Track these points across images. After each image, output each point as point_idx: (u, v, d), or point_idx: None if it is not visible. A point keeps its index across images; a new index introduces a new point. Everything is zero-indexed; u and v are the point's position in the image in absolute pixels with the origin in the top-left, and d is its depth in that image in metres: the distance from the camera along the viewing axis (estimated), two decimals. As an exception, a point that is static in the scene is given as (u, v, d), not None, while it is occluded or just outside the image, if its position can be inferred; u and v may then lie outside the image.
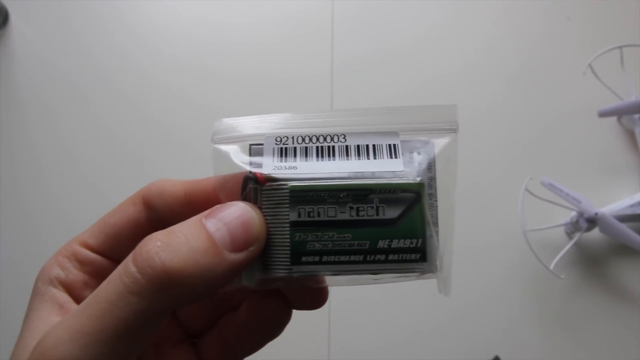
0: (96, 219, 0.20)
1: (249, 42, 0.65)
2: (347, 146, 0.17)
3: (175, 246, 0.15)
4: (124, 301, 0.14)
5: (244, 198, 0.16)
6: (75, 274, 0.18)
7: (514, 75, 0.62)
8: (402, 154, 0.17)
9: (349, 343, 0.53)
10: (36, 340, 0.15)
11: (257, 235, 0.16)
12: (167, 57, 0.64)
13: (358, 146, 0.17)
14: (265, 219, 0.16)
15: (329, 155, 0.17)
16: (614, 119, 0.59)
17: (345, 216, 0.16)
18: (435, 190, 0.17)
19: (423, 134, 0.17)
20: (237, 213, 0.16)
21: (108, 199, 0.20)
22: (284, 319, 0.19)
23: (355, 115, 0.17)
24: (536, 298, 0.54)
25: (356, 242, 0.16)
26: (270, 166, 0.16)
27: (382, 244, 0.16)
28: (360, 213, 0.16)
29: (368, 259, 0.16)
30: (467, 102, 0.61)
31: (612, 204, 0.54)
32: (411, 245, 0.16)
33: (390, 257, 0.16)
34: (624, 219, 0.52)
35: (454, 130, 0.18)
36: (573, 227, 0.53)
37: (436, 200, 0.17)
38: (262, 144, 0.17)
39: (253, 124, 0.17)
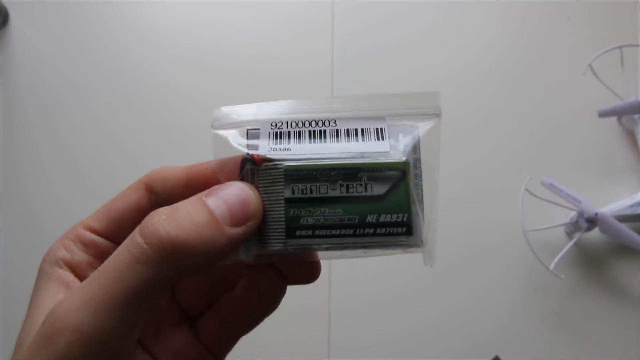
0: (97, 218, 0.20)
1: (249, 40, 0.65)
2: (337, 130, 0.18)
3: (179, 220, 0.16)
4: (132, 270, 0.15)
5: (242, 178, 0.18)
6: (80, 256, 0.18)
7: (513, 75, 0.62)
8: (389, 137, 0.18)
9: (349, 343, 0.53)
10: (44, 316, 0.15)
11: (254, 211, 0.17)
12: (168, 56, 0.64)
13: (348, 130, 0.18)
14: (262, 197, 0.17)
15: (320, 138, 0.18)
16: (614, 119, 0.59)
17: (336, 193, 0.17)
18: (420, 170, 0.18)
19: (409, 118, 0.19)
20: (236, 191, 0.17)
21: (109, 198, 0.21)
22: (280, 293, 0.20)
23: (345, 102, 0.19)
24: (536, 298, 0.54)
25: (346, 217, 0.17)
26: (266, 148, 0.18)
27: (370, 218, 0.17)
28: (350, 190, 0.17)
29: (357, 232, 0.17)
30: (466, 101, 0.61)
31: (612, 204, 0.54)
32: (397, 220, 0.17)
33: (378, 230, 0.17)
34: (624, 219, 0.52)
35: (437, 115, 0.19)
36: (573, 227, 0.53)
37: (421, 180, 0.18)
38: (258, 129, 0.18)
39: (250, 111, 0.18)
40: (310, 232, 0.17)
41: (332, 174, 0.17)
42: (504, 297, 0.54)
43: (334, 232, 0.17)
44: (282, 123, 0.18)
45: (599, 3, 0.64)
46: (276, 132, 0.18)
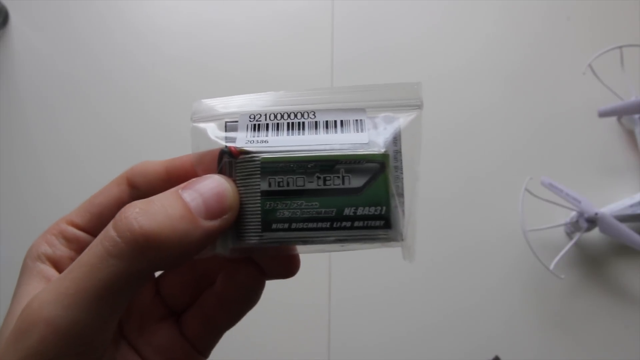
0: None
1: (250, 40, 0.65)
2: (316, 122, 0.18)
3: (153, 213, 0.16)
4: (104, 263, 0.15)
5: (220, 171, 0.17)
6: (62, 250, 0.19)
7: (513, 75, 0.62)
8: (370, 128, 0.18)
9: (349, 343, 0.53)
10: None
11: (230, 204, 0.17)
12: (168, 56, 0.64)
13: (327, 121, 0.18)
14: (239, 190, 0.17)
15: (299, 130, 0.18)
16: (614, 119, 0.59)
17: (313, 185, 0.17)
18: (401, 163, 0.18)
19: (390, 110, 0.18)
20: (212, 184, 0.17)
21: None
22: (257, 288, 0.20)
23: (325, 93, 0.18)
24: (536, 298, 0.54)
25: (323, 210, 0.17)
26: (243, 140, 0.17)
27: (348, 211, 0.17)
28: (327, 182, 0.17)
29: (335, 225, 0.17)
30: (467, 101, 0.61)
31: (612, 204, 0.54)
32: (375, 213, 0.17)
33: (356, 223, 0.17)
34: (624, 219, 0.52)
35: (418, 106, 0.18)
36: (573, 227, 0.53)
37: (402, 173, 0.18)
38: (237, 121, 0.18)
39: (229, 103, 0.18)
40: (286, 226, 0.17)
41: (309, 166, 0.17)
42: (504, 297, 0.54)
43: (310, 225, 0.17)
44: (261, 115, 0.18)
45: (599, 3, 0.64)
46: (254, 125, 0.18)
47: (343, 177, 0.17)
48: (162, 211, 0.16)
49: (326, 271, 0.55)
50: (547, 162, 0.58)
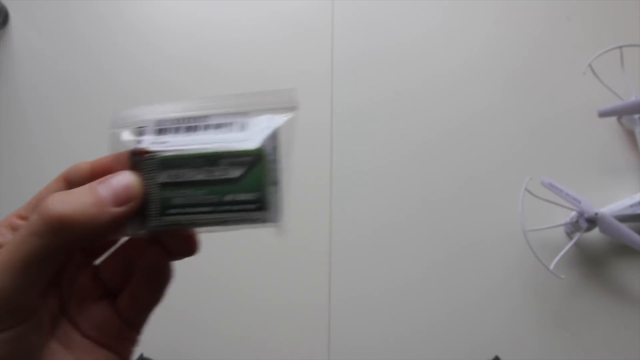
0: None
1: (250, 40, 0.65)
2: (208, 125, 0.22)
3: (69, 200, 0.20)
4: (26, 240, 0.19)
5: (131, 168, 0.21)
6: (9, 238, 0.22)
7: (513, 74, 0.62)
8: (251, 128, 0.22)
9: (349, 343, 0.53)
10: None
11: (135, 194, 0.21)
12: (168, 56, 0.64)
13: (217, 124, 0.22)
14: (144, 182, 0.21)
15: (194, 131, 0.22)
16: (614, 119, 0.59)
17: (201, 177, 0.21)
18: (278, 156, 0.22)
19: (270, 112, 0.22)
20: (122, 178, 0.21)
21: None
22: (164, 265, 0.23)
23: (219, 100, 0.22)
24: (536, 298, 0.54)
25: (209, 197, 0.21)
26: (148, 142, 0.22)
27: (229, 197, 0.21)
28: (212, 174, 0.21)
29: (218, 209, 0.21)
30: (467, 101, 0.61)
31: (612, 204, 0.54)
32: (252, 198, 0.21)
33: (235, 207, 0.21)
34: (624, 219, 0.52)
35: (293, 108, 0.22)
36: (573, 227, 0.53)
37: (279, 164, 0.22)
38: (145, 127, 0.22)
39: (141, 112, 0.23)
40: (180, 210, 0.21)
41: (198, 161, 0.21)
42: (504, 297, 0.54)
43: (198, 209, 0.21)
44: (165, 121, 0.22)
45: (599, 3, 0.64)
46: (159, 129, 0.22)
47: (225, 168, 0.21)
48: (76, 199, 0.20)
49: (326, 271, 0.55)
50: (547, 162, 0.58)
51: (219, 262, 0.56)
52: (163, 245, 0.23)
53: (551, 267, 0.50)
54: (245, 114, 0.22)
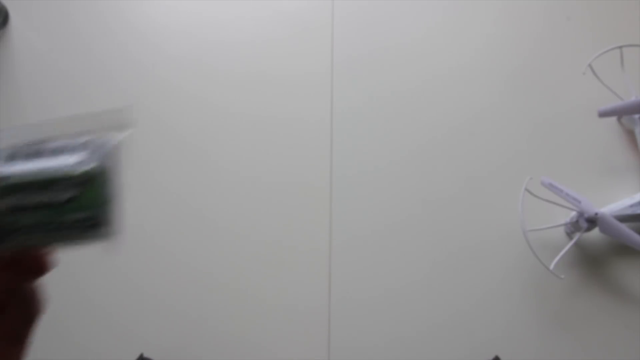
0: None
1: (250, 40, 0.65)
2: (44, 149, 0.22)
3: None
4: None
5: None
6: None
7: (513, 74, 0.62)
8: (87, 149, 0.22)
9: (349, 343, 0.53)
10: None
11: None
12: (168, 55, 0.64)
13: (53, 148, 0.22)
14: None
15: (33, 157, 0.22)
16: (614, 119, 0.59)
17: (37, 201, 0.21)
18: (114, 173, 0.22)
19: (104, 132, 0.23)
20: None
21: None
22: (15, 287, 0.23)
23: (56, 124, 0.23)
24: (536, 298, 0.54)
25: (47, 220, 0.22)
26: None
27: (67, 217, 0.22)
28: (48, 198, 0.21)
29: (57, 230, 0.22)
30: (466, 101, 0.61)
31: (612, 204, 0.54)
32: (88, 216, 0.22)
33: (74, 226, 0.22)
34: (624, 219, 0.52)
35: (126, 127, 0.23)
36: (573, 227, 0.53)
37: (114, 181, 0.22)
38: None
39: None
40: (20, 234, 0.22)
41: (32, 186, 0.21)
42: (504, 297, 0.54)
43: (38, 232, 0.22)
44: (3, 150, 0.22)
45: (599, 3, 0.64)
46: (7, 155, 0.22)
47: (60, 191, 0.21)
48: None
49: (326, 272, 0.55)
50: (547, 162, 0.58)
51: (219, 263, 0.56)
52: (17, 267, 0.23)
53: (551, 267, 0.50)
54: (79, 135, 0.23)
